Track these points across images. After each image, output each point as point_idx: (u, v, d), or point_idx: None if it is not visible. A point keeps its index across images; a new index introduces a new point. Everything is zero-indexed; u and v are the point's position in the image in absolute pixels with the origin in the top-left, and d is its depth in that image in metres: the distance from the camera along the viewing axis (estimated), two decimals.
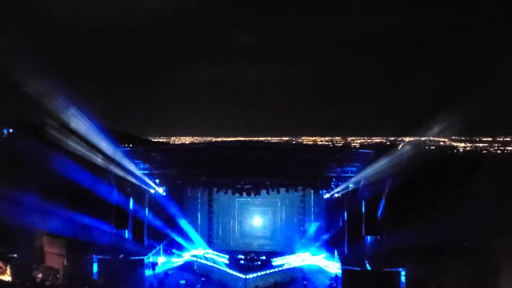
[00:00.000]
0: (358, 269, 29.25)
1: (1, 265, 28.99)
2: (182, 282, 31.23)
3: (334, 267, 32.07)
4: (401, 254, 28.62)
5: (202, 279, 31.65)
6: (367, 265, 29.90)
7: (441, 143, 67.24)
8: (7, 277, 28.93)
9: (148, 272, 30.87)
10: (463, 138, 70.83)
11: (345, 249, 31.81)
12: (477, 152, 67.05)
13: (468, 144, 69.98)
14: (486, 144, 70.37)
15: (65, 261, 30.92)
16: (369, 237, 31.65)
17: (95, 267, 30.03)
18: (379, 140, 78.02)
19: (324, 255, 34.16)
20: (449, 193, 31.77)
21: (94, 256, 30.11)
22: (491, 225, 29.17)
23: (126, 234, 32.57)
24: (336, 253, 32.30)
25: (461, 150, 67.25)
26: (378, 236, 31.38)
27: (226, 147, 34.03)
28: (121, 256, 30.66)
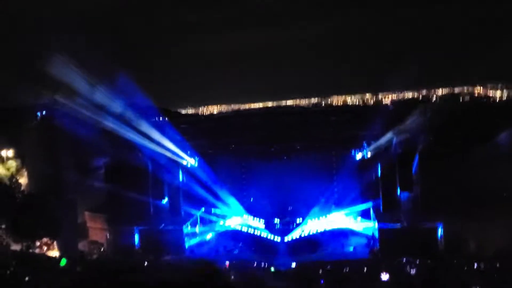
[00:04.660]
0: (395, 226, 29.16)
1: (49, 242, 30.35)
2: (221, 249, 32.12)
3: (369, 227, 32.06)
4: (438, 209, 28.26)
5: (240, 244, 32.40)
6: (404, 222, 29.72)
7: (476, 93, 64.79)
8: (55, 252, 30.36)
9: (187, 240, 31.88)
10: (500, 85, 67.51)
11: (381, 208, 31.70)
12: None
13: (506, 92, 66.78)
14: None
15: (107, 235, 32.30)
16: (404, 193, 31.34)
17: (136, 239, 31.28)
18: (411, 95, 75.80)
19: (359, 216, 34.10)
20: (485, 144, 30.84)
21: (135, 228, 31.36)
22: None
23: (164, 205, 33.55)
24: (371, 212, 32.20)
25: (497, 99, 64.59)
26: (414, 192, 31.00)
27: (253, 114, 34.01)
28: (161, 226, 31.85)
